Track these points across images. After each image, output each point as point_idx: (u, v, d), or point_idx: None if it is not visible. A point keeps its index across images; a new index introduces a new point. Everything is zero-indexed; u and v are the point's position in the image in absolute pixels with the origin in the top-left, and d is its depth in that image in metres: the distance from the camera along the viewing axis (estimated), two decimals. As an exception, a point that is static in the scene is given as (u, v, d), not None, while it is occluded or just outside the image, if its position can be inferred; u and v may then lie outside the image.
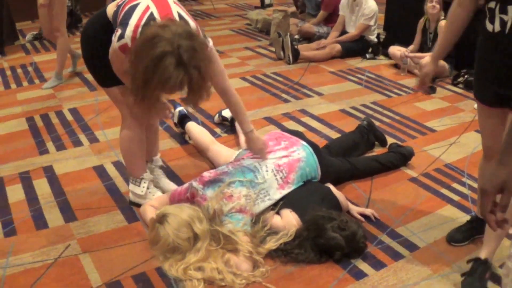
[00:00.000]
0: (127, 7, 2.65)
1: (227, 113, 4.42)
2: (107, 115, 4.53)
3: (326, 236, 2.76)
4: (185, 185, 3.05)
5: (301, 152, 3.23)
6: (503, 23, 2.23)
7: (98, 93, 4.99)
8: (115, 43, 2.62)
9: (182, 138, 4.20)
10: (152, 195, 3.20)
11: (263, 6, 9.58)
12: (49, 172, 3.65)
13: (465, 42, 5.98)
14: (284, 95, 5.27)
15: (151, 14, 2.59)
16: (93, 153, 3.90)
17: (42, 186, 3.47)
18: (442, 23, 5.82)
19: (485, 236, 2.73)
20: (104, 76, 2.98)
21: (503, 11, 2.21)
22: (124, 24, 2.58)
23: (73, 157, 3.84)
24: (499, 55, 2.32)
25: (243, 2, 10.23)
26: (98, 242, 2.91)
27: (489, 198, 1.54)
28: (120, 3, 2.76)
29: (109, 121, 4.40)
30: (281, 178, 3.07)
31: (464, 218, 3.23)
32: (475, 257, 2.68)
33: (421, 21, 6.14)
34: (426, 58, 4.90)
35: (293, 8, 8.78)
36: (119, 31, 2.59)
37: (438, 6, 5.84)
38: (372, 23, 6.64)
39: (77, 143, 4.05)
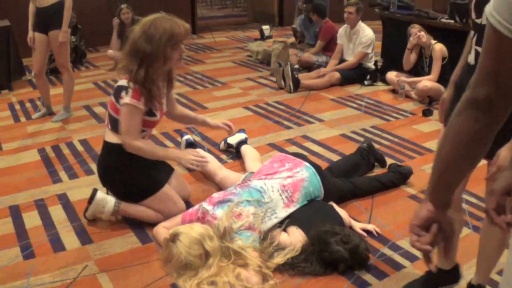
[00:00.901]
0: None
1: (232, 140, 4.59)
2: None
3: (330, 250, 2.91)
4: (196, 207, 3.22)
5: (305, 173, 3.40)
6: (477, 56, 2.09)
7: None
8: (126, 100, 3.11)
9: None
10: None
11: (262, 38, 9.84)
12: (63, 199, 3.81)
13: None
14: (286, 122, 5.45)
15: None
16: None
17: (57, 213, 3.63)
18: (436, 46, 6.04)
19: (478, 258, 2.71)
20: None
21: (479, 43, 2.08)
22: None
23: (86, 185, 4.00)
24: None
25: (243, 35, 10.50)
26: (114, 262, 3.05)
27: (495, 197, 1.41)
28: None
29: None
30: (286, 197, 3.24)
31: (463, 230, 3.38)
32: (467, 284, 2.75)
33: (417, 47, 6.35)
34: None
35: (292, 39, 9.05)
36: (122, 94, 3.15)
37: (422, 33, 6.08)
38: (369, 50, 6.86)
39: (89, 171, 4.22)
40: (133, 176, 3.34)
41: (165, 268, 2.94)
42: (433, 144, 4.87)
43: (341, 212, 3.35)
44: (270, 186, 3.25)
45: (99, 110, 5.72)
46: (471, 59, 2.18)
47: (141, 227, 3.43)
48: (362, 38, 6.82)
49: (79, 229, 3.40)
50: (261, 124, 5.38)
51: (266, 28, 10.04)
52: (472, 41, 2.17)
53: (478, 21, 2.14)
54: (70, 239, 3.29)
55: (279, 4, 11.57)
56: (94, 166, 4.30)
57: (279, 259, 2.94)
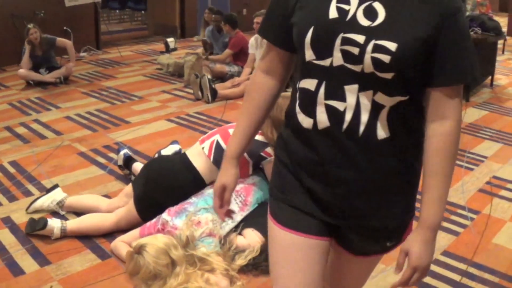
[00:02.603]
0: None
1: (166, 152, 4.67)
2: (49, 164, 4.67)
3: (289, 246, 3.10)
4: (154, 220, 3.31)
5: (255, 178, 3.59)
6: (335, 114, 1.49)
7: (33, 145, 5.11)
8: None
9: (127, 179, 4.41)
10: None
11: (168, 50, 9.94)
12: (8, 222, 3.76)
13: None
14: (212, 132, 5.60)
15: None
16: (42, 209, 4.02)
17: (6, 236, 3.58)
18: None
19: None
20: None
21: (335, 95, 1.48)
22: None
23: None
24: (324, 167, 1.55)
25: (148, 48, 10.53)
26: (79, 281, 3.08)
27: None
28: None
29: (52, 170, 4.54)
30: (240, 201, 3.41)
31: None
32: None
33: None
34: None
35: (199, 50, 9.21)
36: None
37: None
38: (280, 58, 7.13)
39: (27, 193, 4.17)
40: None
41: (132, 280, 3.01)
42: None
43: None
44: (223, 193, 3.40)
45: (21, 130, 5.60)
46: (313, 121, 1.54)
47: (95, 243, 3.47)
48: (273, 47, 7.08)
49: (33, 251, 3.39)
50: (189, 135, 5.49)
51: (171, 40, 10.16)
52: (318, 93, 1.51)
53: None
54: (26, 262, 3.27)
55: (180, 16, 11.68)
56: (31, 187, 4.25)
57: (241, 261, 3.10)
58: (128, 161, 4.38)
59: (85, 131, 5.53)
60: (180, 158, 3.72)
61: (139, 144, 5.12)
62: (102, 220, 3.57)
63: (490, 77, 7.97)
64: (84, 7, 9.45)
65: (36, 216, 3.63)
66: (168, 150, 4.66)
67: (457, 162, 4.74)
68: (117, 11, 13.75)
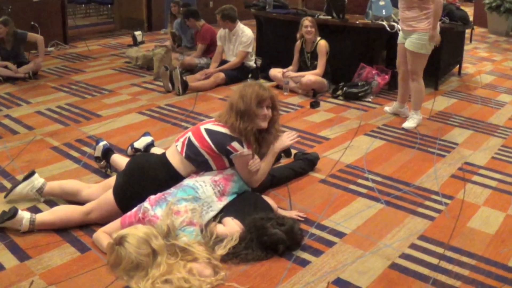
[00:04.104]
0: None
1: (139, 145, 4.64)
2: (22, 159, 4.59)
3: (268, 233, 3.13)
4: (135, 209, 3.29)
5: (233, 170, 3.62)
6: None
7: (5, 140, 5.02)
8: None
9: (102, 172, 4.37)
10: None
11: (135, 44, 9.84)
12: (-18, 219, 3.70)
13: (339, 58, 6.69)
14: (184, 124, 5.58)
15: None
16: (22, 196, 3.98)
17: (-19, 233, 3.53)
18: (321, 42, 6.46)
19: None
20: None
21: None
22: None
23: (3, 202, 3.89)
24: None
25: (115, 42, 10.42)
26: (60, 274, 3.04)
27: None
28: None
29: (26, 165, 4.47)
30: (218, 191, 3.43)
31: (376, 205, 3.76)
32: None
33: (298, 44, 6.75)
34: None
35: (167, 43, 9.15)
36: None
37: (313, 30, 6.47)
38: (250, 49, 7.17)
39: (2, 188, 4.09)
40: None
41: (113, 272, 2.99)
42: (327, 132, 5.25)
43: (268, 200, 3.60)
44: (202, 182, 3.41)
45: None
46: None
47: (73, 236, 3.42)
48: (243, 38, 7.10)
49: (12, 246, 3.33)
50: (160, 127, 5.46)
51: (138, 34, 10.05)
52: None
53: None
54: (5, 257, 3.21)
55: (147, 9, 11.59)
56: (6, 182, 4.14)
57: (221, 251, 3.10)
58: (107, 153, 4.35)
59: (57, 126, 5.46)
60: (160, 156, 3.79)
61: (112, 137, 5.07)
62: (71, 212, 3.53)
63: (458, 66, 8.10)
64: (51, 2, 9.30)
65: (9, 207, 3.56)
66: (140, 142, 4.64)
67: (429, 149, 4.85)
68: (83, 5, 13.60)
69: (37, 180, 3.88)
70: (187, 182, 3.44)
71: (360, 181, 4.22)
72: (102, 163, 4.36)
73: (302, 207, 3.78)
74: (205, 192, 3.36)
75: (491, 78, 8.11)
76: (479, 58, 9.76)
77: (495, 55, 10.20)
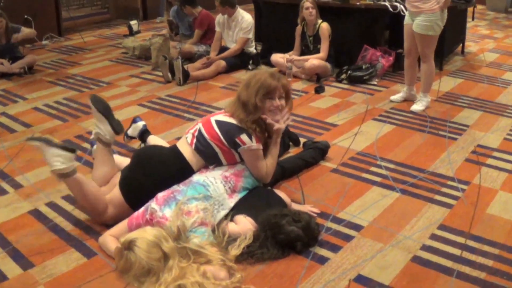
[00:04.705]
0: None
1: (132, 132, 4.45)
2: (21, 159, 4.45)
3: (284, 231, 2.98)
4: (142, 209, 3.14)
5: (244, 165, 3.48)
6: None
7: (3, 139, 4.87)
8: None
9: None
10: None
11: (131, 33, 9.67)
12: (-17, 224, 3.57)
13: (342, 41, 6.53)
14: (186, 115, 5.43)
15: None
16: (23, 199, 3.83)
17: (-18, 240, 3.39)
18: (324, 25, 6.29)
19: None
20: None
21: None
22: None
23: (3, 205, 3.75)
24: None
25: (111, 32, 10.23)
26: (66, 283, 2.90)
27: None
28: None
29: (25, 165, 4.33)
30: (229, 188, 3.28)
31: (391, 194, 3.62)
32: None
33: (299, 28, 6.58)
34: None
35: (164, 31, 8.97)
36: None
37: (314, 11, 6.29)
38: (250, 35, 6.99)
39: (2, 191, 3.97)
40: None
41: (123, 278, 2.85)
42: (335, 118, 5.10)
43: (281, 194, 3.45)
44: (212, 179, 3.26)
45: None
46: None
47: (78, 240, 3.29)
48: (243, 24, 6.92)
49: (14, 254, 3.19)
50: (163, 120, 5.32)
51: (134, 23, 9.87)
52: None
53: None
54: (8, 266, 3.07)
55: (142, -2, 11.40)
56: (4, 185, 4.02)
57: (235, 251, 2.95)
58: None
59: (55, 122, 5.30)
60: (171, 148, 3.63)
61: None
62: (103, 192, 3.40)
63: (461, 45, 7.94)
64: (44, -6, 9.11)
65: None
66: (133, 130, 4.45)
67: (440, 132, 4.71)
68: (76, -4, 13.36)
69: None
70: (196, 178, 3.29)
71: (373, 169, 4.08)
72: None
73: (315, 200, 3.64)
74: (216, 190, 3.21)
75: (495, 56, 7.96)
76: (481, 35, 9.61)
77: (496, 32, 10.06)
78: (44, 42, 9.10)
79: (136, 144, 4.54)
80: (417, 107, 5.36)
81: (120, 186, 3.37)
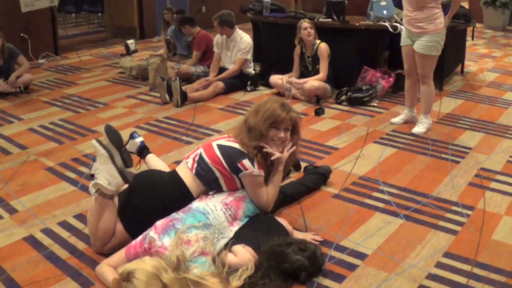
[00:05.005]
0: None
1: (131, 148, 4.34)
2: (16, 183, 4.36)
3: (289, 260, 2.89)
4: (140, 237, 3.05)
5: (245, 191, 3.40)
6: None
7: (-4, 163, 4.80)
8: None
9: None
10: None
11: (128, 53, 9.63)
12: (-24, 252, 3.47)
13: (341, 62, 6.49)
14: (184, 138, 5.35)
15: None
16: (18, 224, 3.73)
17: (-24, 268, 3.30)
18: (322, 45, 6.24)
19: None
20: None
21: None
22: None
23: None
24: None
25: (107, 51, 10.19)
26: (62, 315, 2.82)
27: None
28: None
29: (20, 189, 4.24)
30: (230, 215, 3.19)
31: (395, 221, 3.54)
32: None
33: (297, 49, 6.53)
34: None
35: (161, 51, 8.93)
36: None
37: (312, 31, 6.26)
38: (249, 56, 6.93)
39: (-5, 217, 3.88)
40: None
41: (121, 309, 2.76)
42: (335, 142, 5.03)
43: (283, 221, 3.36)
44: (212, 206, 3.17)
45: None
46: None
47: (74, 269, 3.19)
48: (241, 45, 6.87)
49: (9, 283, 3.09)
50: (161, 143, 5.24)
51: (131, 42, 9.84)
52: None
53: None
54: (2, 296, 3.01)
55: (139, 17, 11.35)
56: (-4, 211, 3.95)
57: (236, 282, 2.84)
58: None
59: (51, 144, 5.22)
60: (171, 173, 3.54)
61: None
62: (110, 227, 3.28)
63: (460, 64, 7.91)
64: (40, 13, 9.03)
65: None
66: (131, 146, 4.30)
67: (443, 155, 4.64)
68: (73, 14, 13.36)
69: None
70: (196, 205, 3.20)
71: (375, 194, 4.00)
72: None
73: (317, 227, 3.56)
74: (216, 217, 3.12)
75: (494, 75, 7.93)
76: (479, 55, 9.60)
77: (495, 50, 10.05)
78: (40, 60, 9.06)
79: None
80: (418, 129, 5.30)
81: (119, 214, 3.28)
